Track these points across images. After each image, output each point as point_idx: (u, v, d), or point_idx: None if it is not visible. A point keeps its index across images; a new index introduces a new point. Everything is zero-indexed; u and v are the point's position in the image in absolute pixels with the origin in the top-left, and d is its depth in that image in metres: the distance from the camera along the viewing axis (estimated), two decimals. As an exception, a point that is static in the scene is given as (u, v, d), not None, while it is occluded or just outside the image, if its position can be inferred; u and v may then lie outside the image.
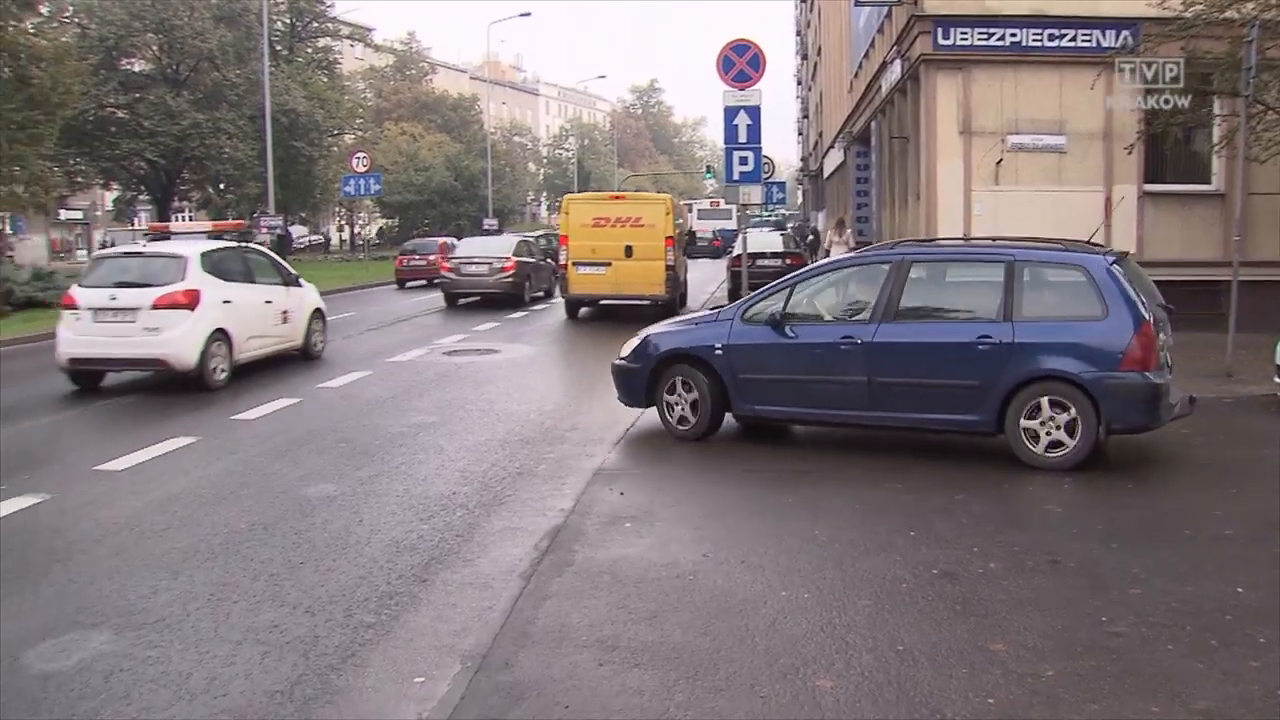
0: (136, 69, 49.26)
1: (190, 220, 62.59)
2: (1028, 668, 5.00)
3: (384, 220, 79.19)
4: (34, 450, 10.57)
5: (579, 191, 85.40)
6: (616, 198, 26.20)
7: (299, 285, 17.00)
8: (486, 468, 9.42)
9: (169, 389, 13.79)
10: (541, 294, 28.36)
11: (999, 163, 18.34)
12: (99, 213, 73.13)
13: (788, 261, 25.93)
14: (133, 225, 66.29)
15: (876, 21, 25.35)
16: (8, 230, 43.27)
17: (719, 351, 10.09)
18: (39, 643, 5.61)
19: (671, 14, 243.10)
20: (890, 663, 5.07)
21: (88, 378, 14.20)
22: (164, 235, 16.82)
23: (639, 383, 10.62)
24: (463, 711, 4.71)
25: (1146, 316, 8.68)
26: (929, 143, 18.90)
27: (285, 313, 16.14)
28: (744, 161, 17.62)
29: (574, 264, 22.57)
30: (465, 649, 5.44)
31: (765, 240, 29.87)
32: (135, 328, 13.60)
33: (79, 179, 48.60)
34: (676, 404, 10.36)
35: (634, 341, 10.94)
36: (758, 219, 48.65)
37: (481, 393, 13.40)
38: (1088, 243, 9.85)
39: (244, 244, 16.70)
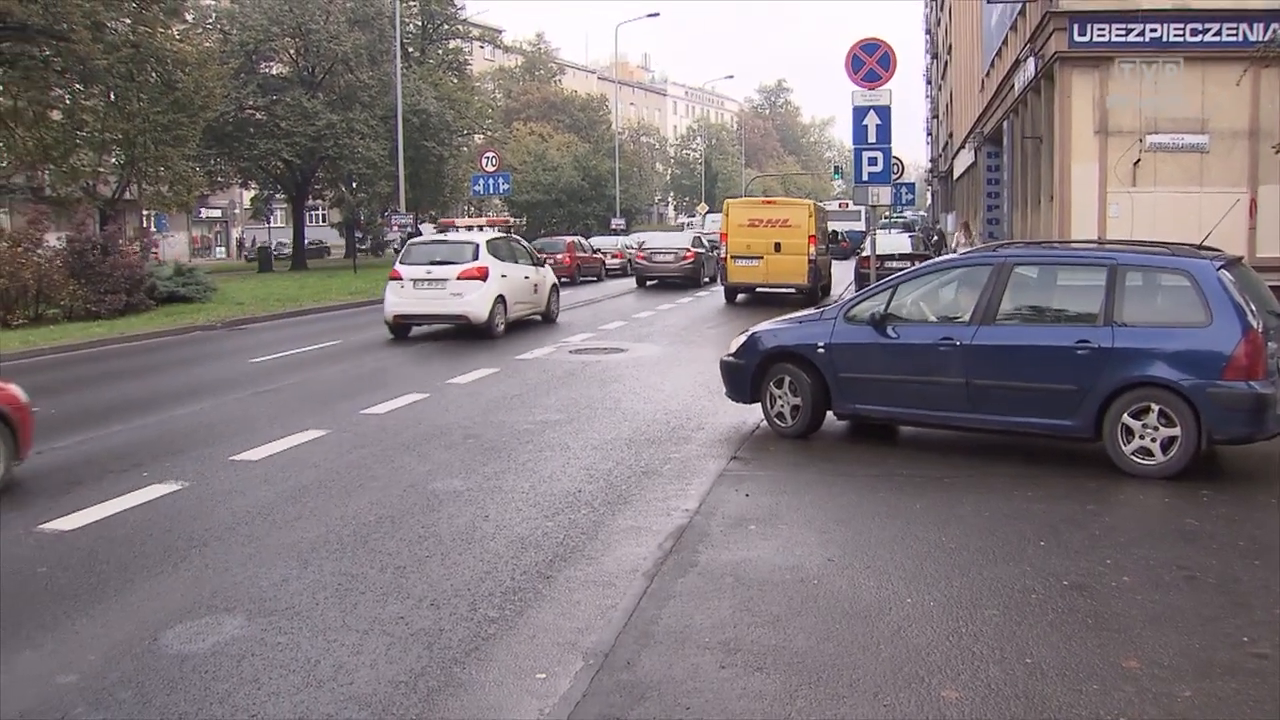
0: (274, 72, 50.70)
1: (326, 216, 64.15)
2: (1163, 687, 4.83)
3: (513, 219, 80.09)
4: (175, 439, 10.93)
5: (705, 193, 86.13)
6: (768, 202, 29.84)
7: (543, 266, 22.47)
8: (611, 466, 9.46)
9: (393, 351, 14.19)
10: (708, 279, 32.93)
11: (1137, 163, 17.84)
12: (237, 211, 75.43)
13: (916, 264, 25.72)
14: (268, 223, 68.29)
15: (1009, 19, 24.86)
16: (152, 228, 44.81)
17: (821, 350, 10.22)
18: (176, 624, 5.80)
19: (800, 13, 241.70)
20: (1018, 675, 4.95)
21: (403, 330, 19.58)
22: (450, 228, 23.29)
23: (744, 378, 10.81)
24: (584, 709, 4.72)
25: (1254, 324, 8.35)
26: (1063, 143, 18.47)
27: (536, 286, 21.45)
28: (873, 162, 17.43)
29: (733, 257, 26.39)
30: (588, 646, 5.46)
31: (894, 242, 29.52)
32: (444, 293, 18.99)
33: (219, 178, 50.22)
34: (780, 400, 10.52)
35: (741, 338, 11.11)
36: (886, 221, 48.10)
37: (607, 391, 13.46)
38: (1199, 247, 9.51)
39: (509, 234, 23.13)
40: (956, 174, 48.39)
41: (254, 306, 26.73)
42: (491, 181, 38.62)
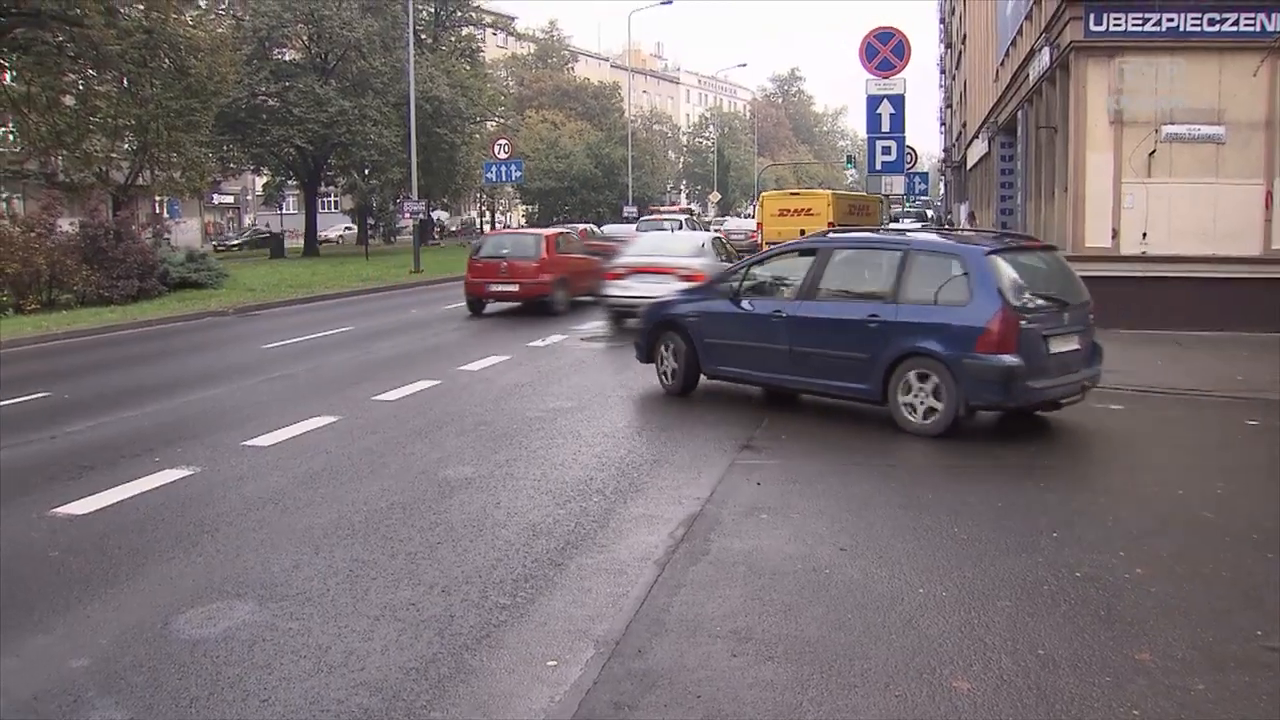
0: (287, 59, 50.65)
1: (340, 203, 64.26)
2: (1175, 680, 4.81)
3: (524, 206, 80.00)
4: (187, 424, 10.94)
5: (717, 181, 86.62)
6: (794, 194, 36.27)
7: (706, 230, 33.64)
8: (624, 454, 9.45)
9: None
10: None
11: (1152, 154, 17.69)
12: (249, 197, 75.49)
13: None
14: (281, 209, 68.38)
15: (1024, 7, 24.72)
16: (164, 214, 44.82)
17: (693, 319, 11.87)
18: (188, 609, 5.81)
19: (814, 2, 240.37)
20: (1030, 667, 4.93)
21: None
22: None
23: (644, 341, 12.59)
24: (595, 697, 4.71)
25: (1006, 304, 9.38)
26: (1078, 133, 18.33)
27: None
28: (887, 151, 17.36)
29: (767, 243, 29.54)
30: (599, 634, 5.45)
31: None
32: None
33: (231, 165, 50.20)
34: (665, 361, 12.25)
35: (645, 308, 13.03)
36: (900, 211, 48.67)
37: (619, 379, 13.45)
38: (1009, 233, 10.50)
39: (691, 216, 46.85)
40: (970, 164, 48.17)
41: (266, 293, 26.76)
42: (504, 169, 38.61)
